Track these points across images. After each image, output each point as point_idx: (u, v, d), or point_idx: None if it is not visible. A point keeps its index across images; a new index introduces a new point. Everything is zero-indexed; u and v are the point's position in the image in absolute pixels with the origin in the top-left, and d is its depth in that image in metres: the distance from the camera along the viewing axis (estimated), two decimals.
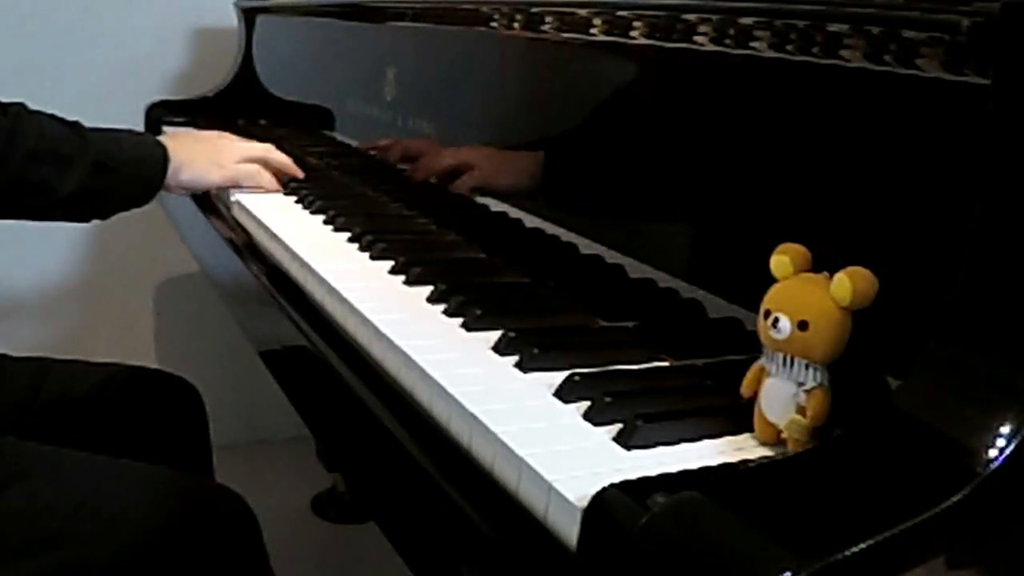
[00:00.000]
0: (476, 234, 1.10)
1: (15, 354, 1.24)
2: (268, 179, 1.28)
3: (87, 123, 1.30)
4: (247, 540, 1.02)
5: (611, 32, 0.89)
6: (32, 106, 1.20)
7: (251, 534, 1.02)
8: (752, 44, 0.72)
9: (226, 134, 1.36)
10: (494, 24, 1.09)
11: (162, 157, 1.19)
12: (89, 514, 0.93)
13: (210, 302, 2.04)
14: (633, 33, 0.86)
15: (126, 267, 2.12)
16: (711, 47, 0.77)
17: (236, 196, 1.26)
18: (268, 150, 1.32)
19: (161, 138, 1.23)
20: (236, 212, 1.25)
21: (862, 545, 0.45)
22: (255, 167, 1.28)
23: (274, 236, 1.09)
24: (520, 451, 0.60)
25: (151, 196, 1.20)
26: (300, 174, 1.33)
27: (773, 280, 0.62)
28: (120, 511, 0.94)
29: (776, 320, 0.60)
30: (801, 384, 0.60)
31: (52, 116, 1.16)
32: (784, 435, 0.60)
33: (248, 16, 1.96)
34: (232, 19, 1.99)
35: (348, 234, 1.10)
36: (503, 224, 1.07)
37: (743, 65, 0.74)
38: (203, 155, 1.25)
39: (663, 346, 0.76)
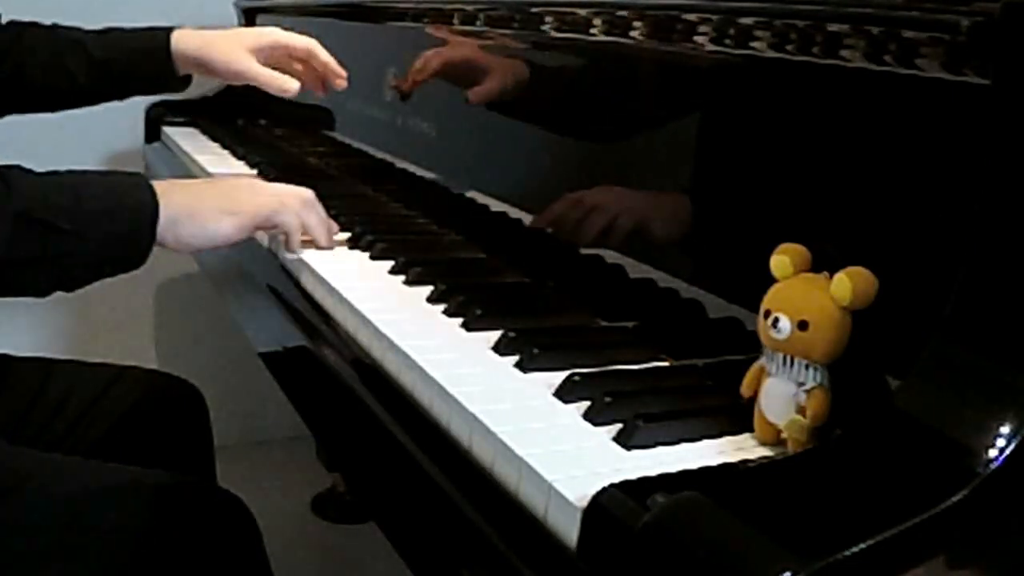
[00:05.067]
0: (476, 234, 1.10)
1: (16, 354, 1.24)
2: (293, 223, 1.01)
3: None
4: (247, 547, 1.01)
5: (611, 32, 0.89)
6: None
7: (251, 541, 1.02)
8: (752, 44, 0.72)
9: (256, 180, 1.07)
10: (494, 24, 1.09)
11: (149, 206, 0.90)
12: (85, 526, 0.92)
13: (210, 302, 2.03)
14: (633, 33, 0.86)
15: None
16: (711, 47, 0.77)
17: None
18: (299, 198, 1.02)
19: (159, 184, 0.93)
20: None
21: (862, 545, 0.45)
22: (277, 202, 1.00)
23: (273, 236, 1.09)
24: (520, 451, 0.60)
25: (136, 259, 0.91)
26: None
27: (773, 280, 0.62)
28: (118, 522, 0.93)
29: (776, 320, 0.60)
30: (801, 384, 0.60)
31: None
32: (784, 435, 0.60)
33: (248, 16, 1.96)
34: (232, 19, 1.99)
35: (348, 234, 1.10)
36: (503, 224, 1.07)
37: (743, 65, 0.74)
38: (211, 201, 0.96)
39: (663, 346, 0.76)
